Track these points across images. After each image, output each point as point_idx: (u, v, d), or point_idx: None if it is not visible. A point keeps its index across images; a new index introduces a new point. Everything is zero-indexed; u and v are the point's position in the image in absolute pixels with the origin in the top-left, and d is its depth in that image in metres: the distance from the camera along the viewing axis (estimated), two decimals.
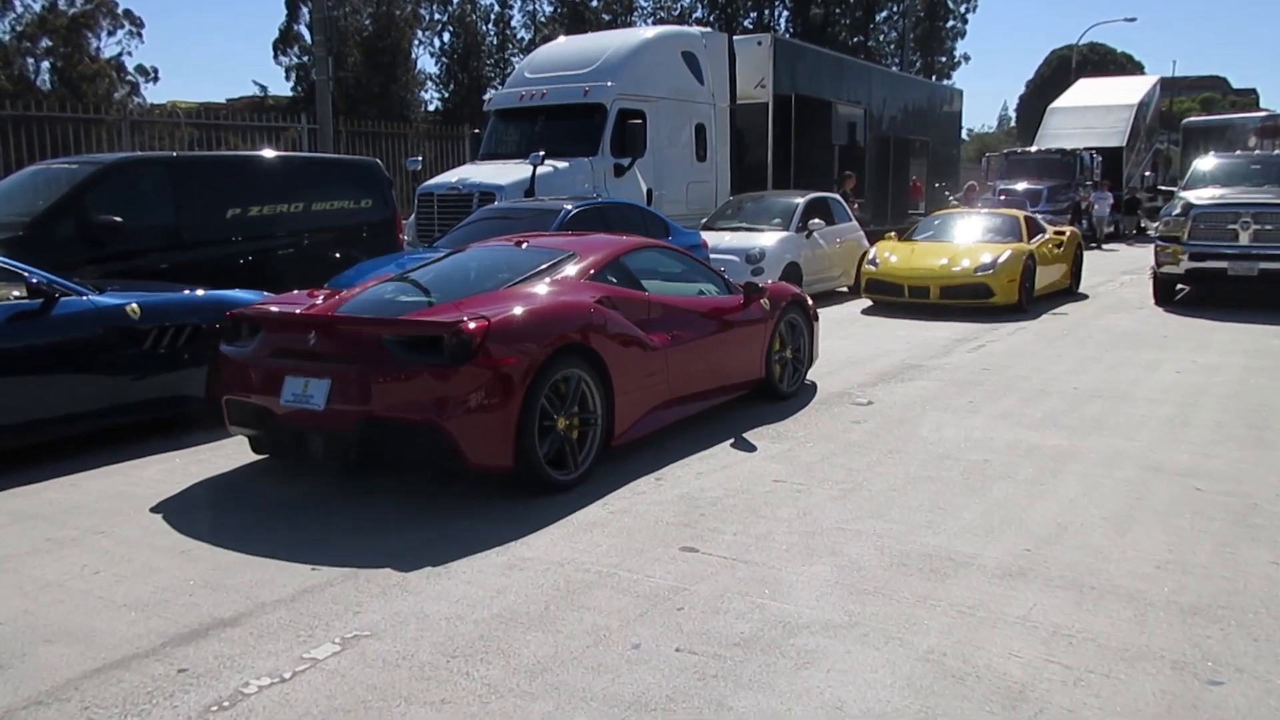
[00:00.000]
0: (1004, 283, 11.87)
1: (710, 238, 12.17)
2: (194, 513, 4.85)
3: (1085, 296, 13.95)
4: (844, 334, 10.48)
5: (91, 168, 8.40)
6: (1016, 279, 11.96)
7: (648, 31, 15.07)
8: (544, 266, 5.78)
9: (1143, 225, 28.82)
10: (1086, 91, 31.17)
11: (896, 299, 12.38)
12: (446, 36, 45.72)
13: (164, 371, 6.21)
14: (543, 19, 46.31)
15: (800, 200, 13.63)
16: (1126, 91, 30.67)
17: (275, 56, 44.48)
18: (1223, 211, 12.12)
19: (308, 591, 3.86)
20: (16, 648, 3.41)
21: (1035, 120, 40.79)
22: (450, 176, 13.62)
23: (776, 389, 7.18)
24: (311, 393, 4.81)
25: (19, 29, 40.67)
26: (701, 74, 15.26)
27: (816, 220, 13.23)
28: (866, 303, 13.11)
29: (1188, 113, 64.18)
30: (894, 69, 36.28)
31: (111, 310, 5.96)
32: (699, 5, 47.32)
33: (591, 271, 5.85)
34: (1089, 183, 24.04)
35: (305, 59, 41.12)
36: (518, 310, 5.00)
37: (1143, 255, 20.67)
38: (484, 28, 46.76)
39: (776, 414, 6.78)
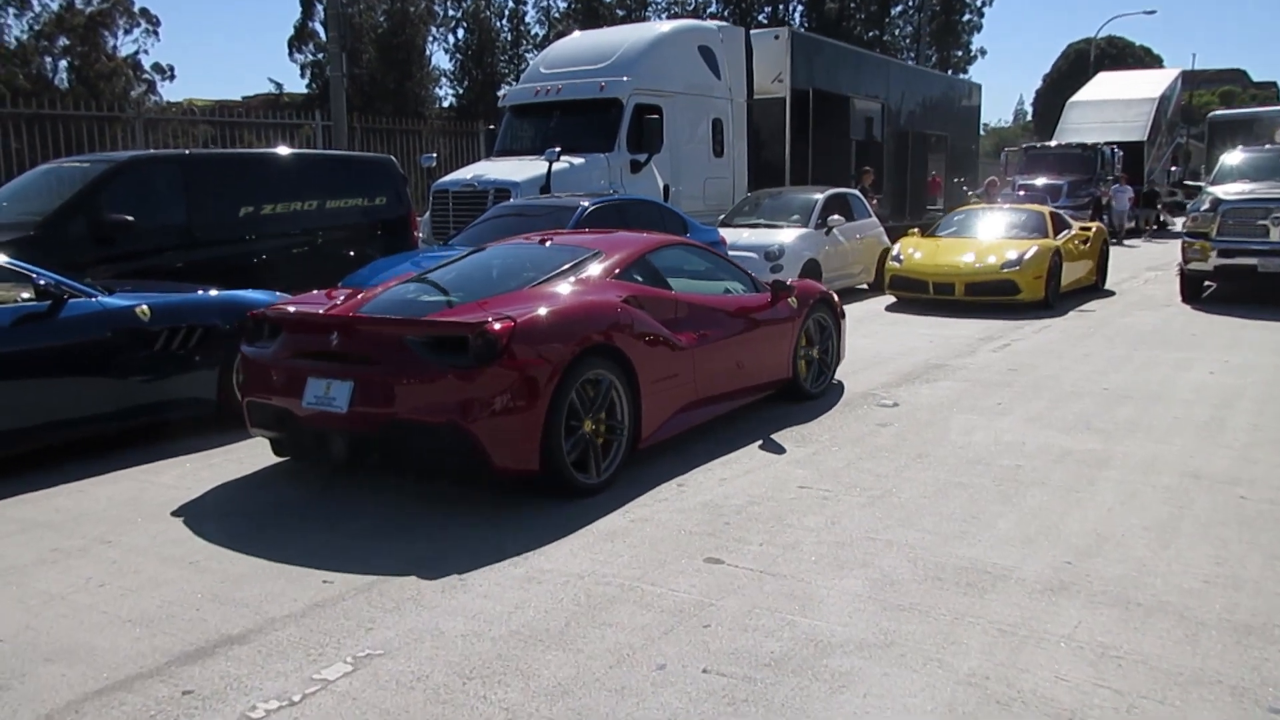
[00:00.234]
0: (1030, 279, 11.70)
1: (728, 234, 12.01)
2: (204, 521, 4.72)
3: (1112, 293, 13.72)
4: (865, 332, 10.29)
5: (103, 166, 8.31)
6: (1043, 276, 11.79)
7: (664, 26, 14.90)
8: (569, 265, 5.66)
9: (1162, 220, 28.44)
10: (1107, 85, 30.80)
11: (921, 296, 12.22)
12: (461, 33, 45.59)
13: (175, 374, 6.09)
14: (557, 15, 46.14)
15: (819, 196, 13.43)
16: (1147, 85, 30.29)
17: (290, 54, 44.50)
18: (1252, 207, 11.86)
19: (319, 606, 3.72)
20: (16, 667, 3.28)
21: (1052, 115, 40.38)
22: (465, 173, 13.48)
23: (803, 389, 7.04)
24: (334, 395, 4.72)
25: (36, 28, 40.76)
26: (718, 68, 15.06)
27: (836, 216, 13.04)
28: (886, 300, 12.92)
29: (1207, 106, 63.53)
30: (910, 63, 35.96)
31: (121, 312, 5.84)
32: (713, 0, 47.07)
33: (617, 270, 5.72)
34: (1110, 177, 23.73)
35: (320, 56, 41.08)
36: (544, 310, 4.88)
37: (1165, 251, 20.39)
38: (498, 24, 46.62)
39: (799, 416, 6.60)
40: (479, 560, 4.13)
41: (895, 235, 14.96)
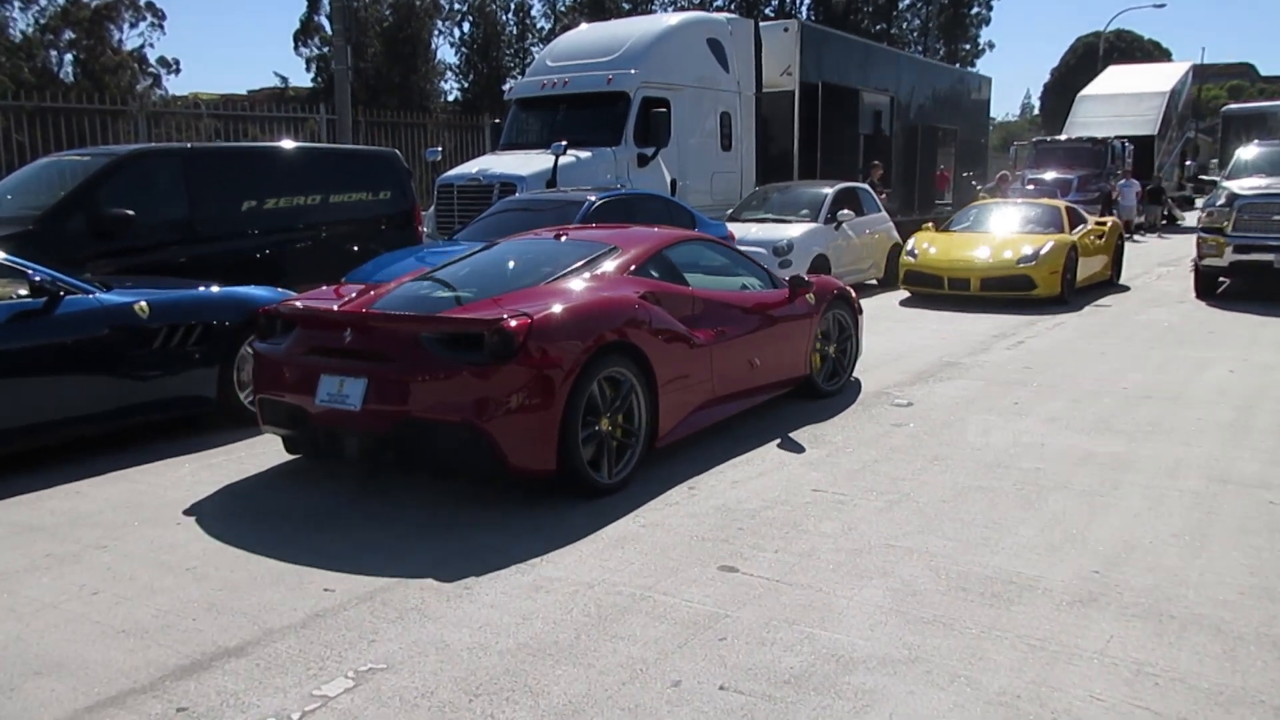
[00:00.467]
0: (1046, 274, 11.60)
1: (736, 229, 11.85)
2: (202, 524, 4.58)
3: (1127, 288, 13.58)
4: (876, 329, 10.10)
5: (104, 160, 8.17)
6: (1059, 271, 11.69)
7: (672, 18, 14.70)
8: (585, 261, 5.55)
9: (1171, 214, 28.19)
10: (1117, 79, 30.57)
11: (936, 291, 12.12)
12: (466, 26, 45.38)
13: (174, 372, 5.95)
14: (563, 8, 45.85)
15: (829, 190, 13.27)
16: (1158, 79, 30.06)
17: (296, 48, 44.26)
18: (1269, 202, 11.68)
19: (320, 616, 3.58)
20: (4, 680, 3.15)
21: (1060, 108, 40.11)
22: (470, 167, 13.33)
23: (819, 387, 6.92)
24: (347, 392, 4.63)
25: (42, 21, 40.63)
26: (727, 61, 14.88)
27: (845, 211, 12.88)
28: (897, 296, 12.76)
29: (1215, 101, 63.12)
30: (919, 56, 35.69)
31: (118, 309, 5.71)
32: None
33: (634, 266, 5.61)
34: (1119, 171, 23.52)
35: (325, 50, 40.85)
36: (560, 307, 4.78)
37: (1173, 247, 20.19)
38: (504, 17, 46.37)
39: (812, 416, 6.46)
40: (484, 567, 4.00)
41: (904, 230, 14.81)
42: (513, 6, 46.27)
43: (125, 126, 15.69)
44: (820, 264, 12.02)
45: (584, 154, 12.52)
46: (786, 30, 16.63)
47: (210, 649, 3.34)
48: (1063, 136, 26.17)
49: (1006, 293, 11.71)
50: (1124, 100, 28.12)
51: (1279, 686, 3.02)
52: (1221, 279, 12.43)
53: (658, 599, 3.68)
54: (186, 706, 2.97)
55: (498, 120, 16.38)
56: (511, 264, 5.87)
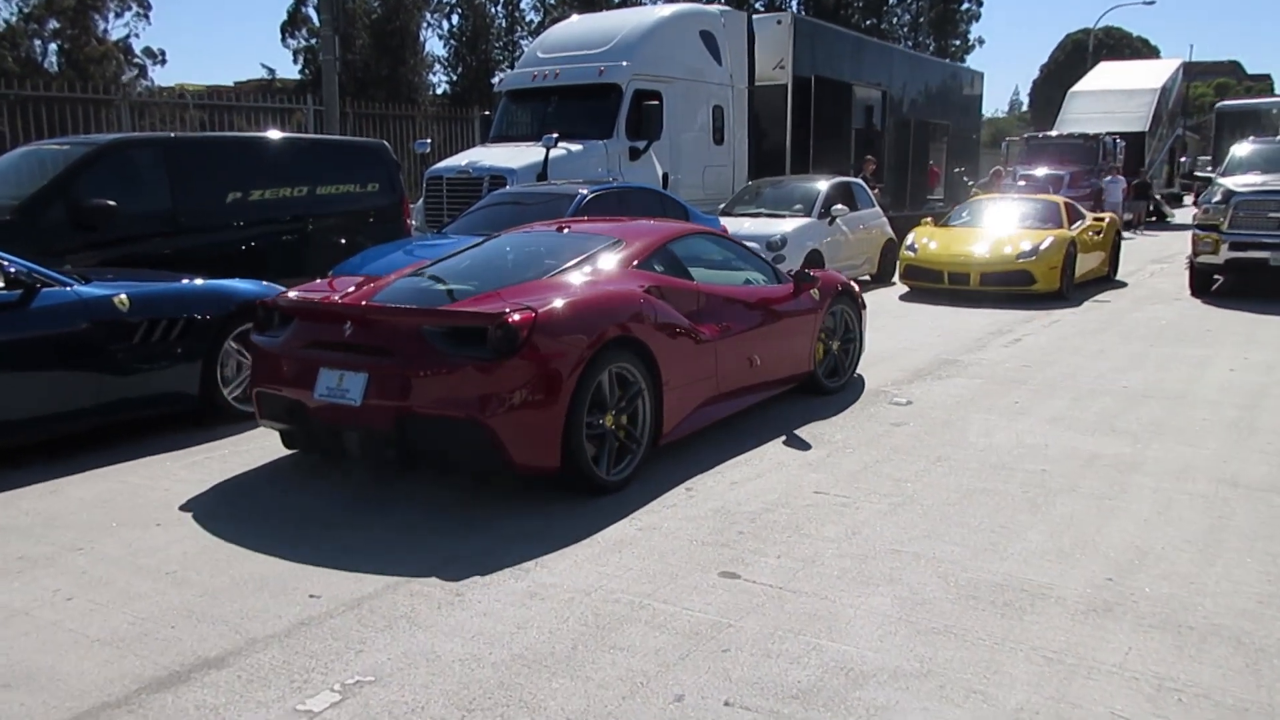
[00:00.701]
0: (1046, 270, 11.60)
1: (729, 224, 11.70)
2: (183, 526, 4.42)
3: (1124, 284, 13.57)
4: (871, 325, 9.82)
5: (84, 149, 7.98)
6: (1058, 266, 11.69)
7: (665, 9, 14.53)
8: (588, 254, 5.43)
9: (1161, 211, 28.17)
10: (1108, 75, 30.54)
11: (936, 285, 12.10)
12: (455, 19, 45.06)
13: (155, 367, 5.77)
14: (552, 1, 45.62)
15: (823, 185, 13.14)
16: (1149, 75, 30.04)
17: (283, 39, 43.97)
18: (1265, 199, 11.60)
19: (305, 624, 3.42)
20: None
21: (1049, 105, 40.11)
22: (460, 160, 13.14)
23: (823, 384, 6.82)
24: (347, 386, 4.52)
25: (26, 10, 40.15)
26: (719, 54, 14.73)
27: (839, 206, 12.75)
28: (890, 291, 12.66)
29: (1202, 99, 63.26)
30: (911, 51, 35.59)
31: (98, 302, 5.52)
32: None
33: (638, 260, 5.51)
34: (1106, 168, 23.45)
35: (313, 41, 40.53)
36: (565, 301, 4.68)
37: (1162, 244, 20.16)
38: (493, 10, 46.07)
39: (810, 414, 6.32)
40: (477, 574, 3.85)
41: (895, 226, 14.70)
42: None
43: (109, 116, 15.44)
44: (814, 259, 11.88)
45: (575, 147, 12.35)
46: (779, 23, 16.50)
47: (189, 659, 3.18)
48: (1054, 132, 26.11)
49: (1006, 288, 11.68)
50: (1115, 97, 28.08)
51: None
52: (1216, 276, 12.36)
53: (657, 607, 3.54)
54: None
55: (487, 112, 16.19)
56: (514, 257, 5.77)
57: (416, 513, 4.57)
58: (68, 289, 5.47)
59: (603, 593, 3.67)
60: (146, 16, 44.18)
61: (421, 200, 12.80)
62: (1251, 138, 15.12)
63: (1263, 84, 76.35)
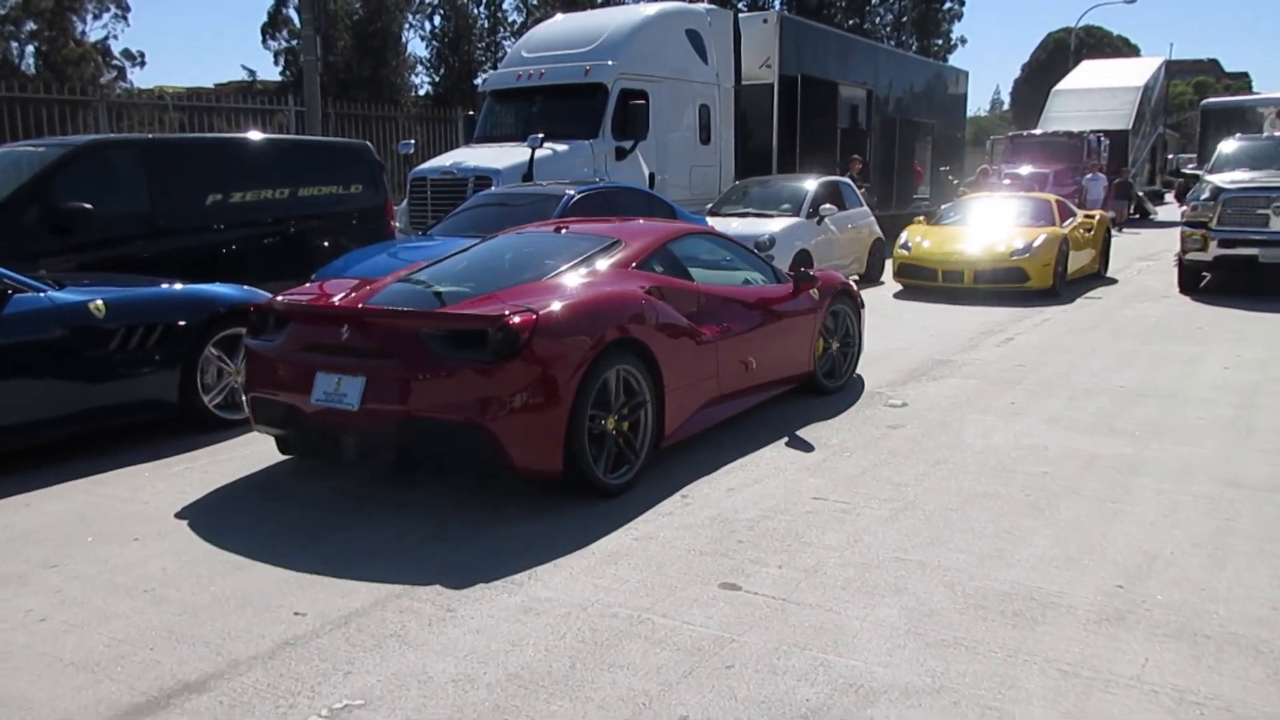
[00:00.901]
0: (1039, 267, 11.66)
1: (717, 224, 11.53)
2: (162, 540, 4.26)
3: (1114, 281, 13.61)
4: None
5: (59, 151, 7.79)
6: (1051, 264, 11.76)
7: (650, 8, 14.39)
8: (587, 255, 5.35)
9: (1144, 208, 28.23)
10: (1091, 74, 30.62)
11: (930, 283, 12.14)
12: (437, 19, 44.85)
13: (133, 375, 5.61)
14: (535, 1, 45.43)
15: (811, 185, 13.06)
16: (1131, 73, 30.13)
17: (264, 40, 43.66)
18: (1254, 196, 11.58)
19: (290, 644, 3.28)
20: None
21: (1030, 104, 40.19)
22: (444, 160, 12.98)
23: (823, 384, 6.75)
24: (344, 391, 4.43)
25: (2, 11, 39.67)
26: (706, 53, 14.61)
27: (828, 206, 12.67)
28: (880, 291, 12.59)
29: (1181, 97, 63.59)
30: (896, 50, 35.59)
31: (72, 308, 5.36)
32: None
33: (638, 260, 5.44)
34: (1088, 165, 23.48)
35: (294, 43, 40.23)
36: (565, 302, 4.61)
37: (1150, 241, 20.17)
38: (475, 10, 45.88)
39: (805, 417, 6.21)
40: (468, 586, 3.72)
41: (881, 225, 14.63)
42: (484, 0, 45.78)
43: (87, 118, 15.20)
44: (802, 259, 11.76)
45: (561, 147, 12.21)
46: (766, 22, 16.41)
47: (168, 684, 3.03)
48: (1039, 130, 26.13)
49: (1000, 285, 11.74)
50: (1098, 95, 28.13)
51: None
52: (1204, 273, 12.33)
53: (657, 621, 3.42)
54: None
55: (471, 113, 16.02)
56: (512, 258, 5.68)
57: (405, 523, 4.43)
58: (41, 295, 5.30)
59: (600, 607, 3.54)
60: (125, 18, 43.80)
61: (405, 202, 12.64)
62: (1238, 135, 15.13)
63: (1240, 82, 76.86)
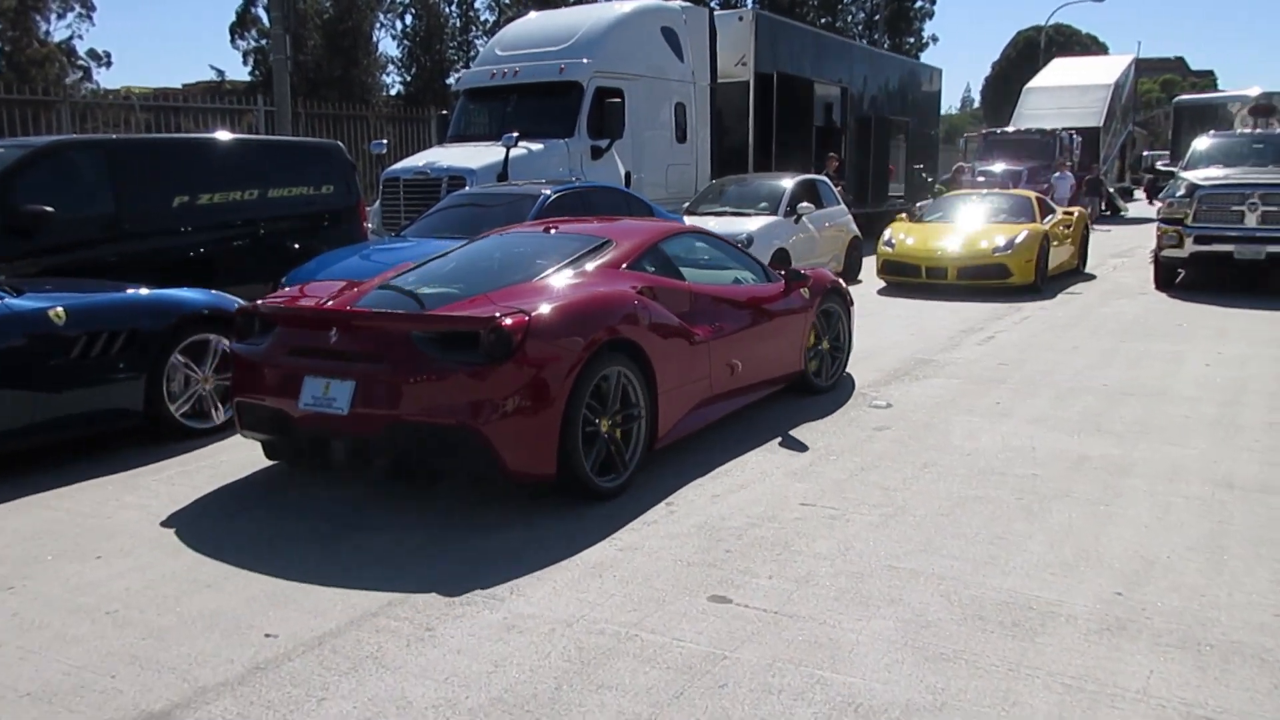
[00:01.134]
0: (1021, 263, 11.84)
1: (695, 223, 11.46)
2: (126, 558, 4.08)
3: (1093, 276, 13.74)
4: None
5: (19, 152, 7.55)
6: (1033, 260, 11.94)
7: (625, 5, 14.24)
8: (578, 255, 5.28)
9: (1114, 205, 28.38)
10: (1063, 71, 30.76)
11: (913, 280, 12.29)
12: (409, 19, 44.48)
13: (95, 383, 5.41)
14: (507, 0, 45.14)
15: (788, 183, 12.98)
16: (1102, 71, 30.30)
17: (232, 40, 43.19)
18: (1229, 193, 11.60)
19: (260, 669, 3.13)
20: None
21: (1001, 102, 40.38)
22: (417, 160, 12.79)
23: (814, 383, 6.70)
24: (334, 395, 4.34)
25: None
26: (681, 51, 14.50)
27: (805, 204, 12.59)
28: (858, 290, 12.49)
29: (1148, 95, 64.17)
30: (870, 48, 35.63)
31: (31, 315, 5.16)
32: None
33: (629, 260, 5.36)
34: (1059, 162, 23.57)
35: (263, 42, 39.79)
36: (558, 304, 4.55)
37: (1122, 238, 20.27)
38: (447, 9, 45.55)
39: (790, 419, 6.10)
40: (448, 603, 3.57)
41: (857, 223, 14.57)
42: None
43: (51, 119, 14.87)
44: (781, 258, 11.69)
45: (536, 146, 12.06)
46: (741, 19, 16.32)
47: (131, 714, 2.87)
48: (1011, 128, 26.21)
49: (983, 281, 11.88)
50: (1070, 92, 28.26)
51: None
52: (1180, 270, 12.36)
53: (646, 638, 3.29)
54: None
55: (445, 112, 15.83)
56: (501, 259, 5.60)
57: (378, 535, 4.27)
58: None
59: (585, 623, 3.41)
60: (90, 17, 43.18)
61: (378, 202, 12.44)
62: (1212, 131, 15.19)
63: (1206, 80, 77.68)
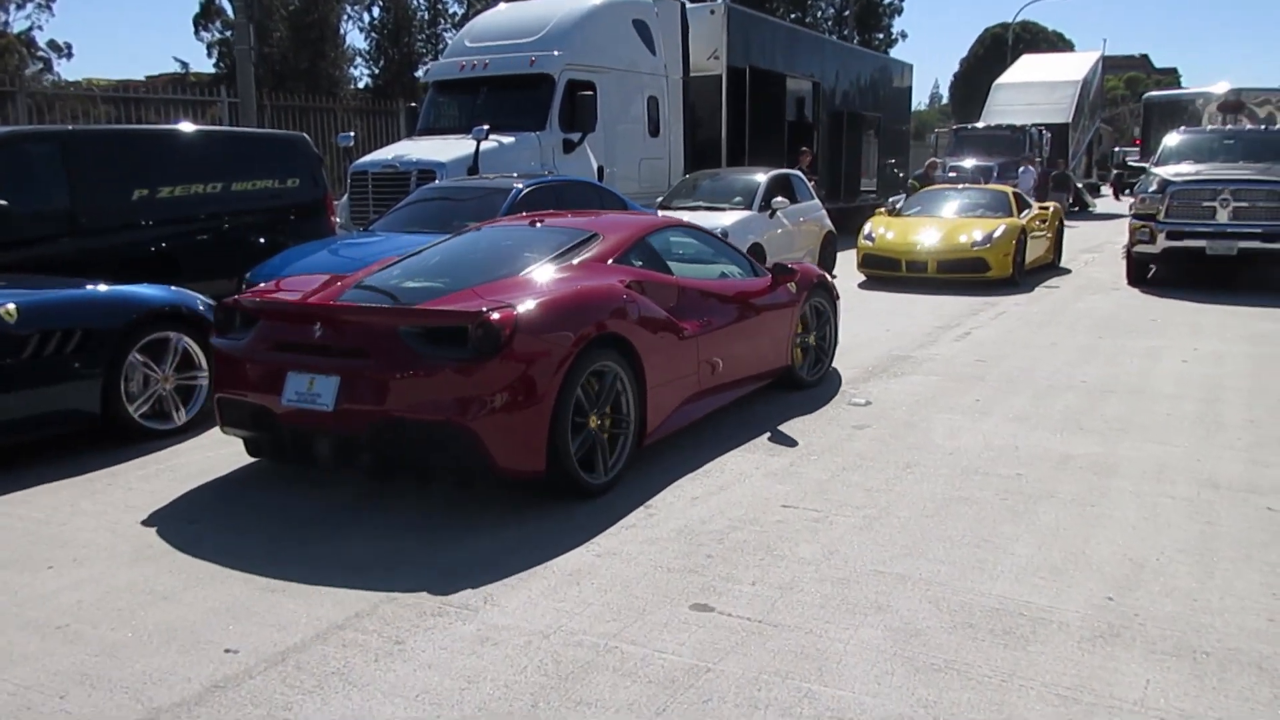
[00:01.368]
0: (1000, 257, 12.05)
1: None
2: (79, 567, 3.89)
3: (1068, 271, 13.89)
4: None
5: None
6: (1011, 253, 12.16)
7: None
8: (565, 249, 5.21)
9: (1083, 200, 28.56)
10: (1031, 68, 30.95)
11: (893, 274, 12.43)
12: (376, 11, 43.97)
13: (49, 384, 5.19)
14: None
15: (762, 177, 12.84)
16: (1070, 68, 30.52)
17: (196, 32, 42.51)
18: (1200, 189, 11.63)
19: (219, 687, 2.96)
20: None
21: (969, 98, 40.54)
22: (386, 153, 12.56)
23: (801, 378, 6.65)
24: (318, 391, 4.24)
25: None
26: (654, 44, 14.35)
27: (780, 199, 12.46)
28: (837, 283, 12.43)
29: (1113, 92, 64.78)
30: (842, 42, 35.65)
31: None
32: None
33: (617, 254, 5.28)
34: (1024, 158, 23.66)
35: (228, 34, 39.13)
36: (547, 298, 4.48)
37: (1090, 234, 20.38)
38: (415, 1, 45.09)
39: (768, 417, 5.99)
40: (418, 615, 3.42)
41: (830, 218, 14.50)
42: None
43: (8, 110, 14.47)
44: (755, 253, 11.56)
45: (507, 139, 11.88)
46: (713, 13, 16.17)
47: None
48: (981, 124, 26.29)
49: (962, 275, 12.07)
50: (1039, 89, 28.43)
51: None
52: (1152, 265, 12.40)
53: (626, 650, 3.15)
54: None
55: (414, 104, 15.59)
56: (487, 252, 5.50)
57: (344, 542, 4.11)
58: None
59: (563, 634, 3.27)
60: (49, 8, 42.36)
61: (346, 196, 12.20)
62: (1182, 128, 15.25)
63: (1170, 77, 78.47)
